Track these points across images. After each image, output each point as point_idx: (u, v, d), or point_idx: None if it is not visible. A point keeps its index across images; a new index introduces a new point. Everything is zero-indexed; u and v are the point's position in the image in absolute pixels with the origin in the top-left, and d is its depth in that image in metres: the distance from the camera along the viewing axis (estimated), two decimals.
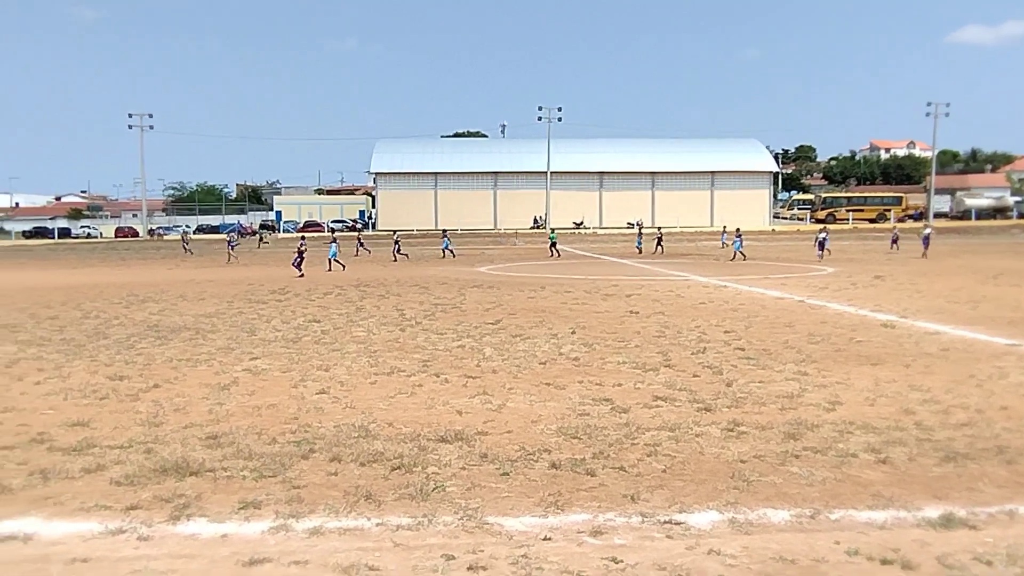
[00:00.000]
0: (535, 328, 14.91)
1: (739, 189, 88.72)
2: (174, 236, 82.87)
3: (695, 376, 10.43)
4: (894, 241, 40.31)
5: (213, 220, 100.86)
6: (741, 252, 36.25)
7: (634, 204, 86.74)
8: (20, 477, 6.57)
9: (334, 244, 34.26)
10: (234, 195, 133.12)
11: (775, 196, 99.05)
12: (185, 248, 50.26)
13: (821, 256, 35.23)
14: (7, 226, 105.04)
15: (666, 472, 6.59)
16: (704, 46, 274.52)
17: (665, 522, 5.52)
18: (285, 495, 6.05)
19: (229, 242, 42.35)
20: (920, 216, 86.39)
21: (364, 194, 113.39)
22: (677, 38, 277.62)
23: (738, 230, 38.42)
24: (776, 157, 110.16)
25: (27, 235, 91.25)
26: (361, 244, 44.71)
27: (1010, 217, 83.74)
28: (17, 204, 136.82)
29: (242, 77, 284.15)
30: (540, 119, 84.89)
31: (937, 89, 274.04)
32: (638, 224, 60.78)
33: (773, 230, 76.81)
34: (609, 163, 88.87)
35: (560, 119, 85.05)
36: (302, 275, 28.45)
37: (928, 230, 38.09)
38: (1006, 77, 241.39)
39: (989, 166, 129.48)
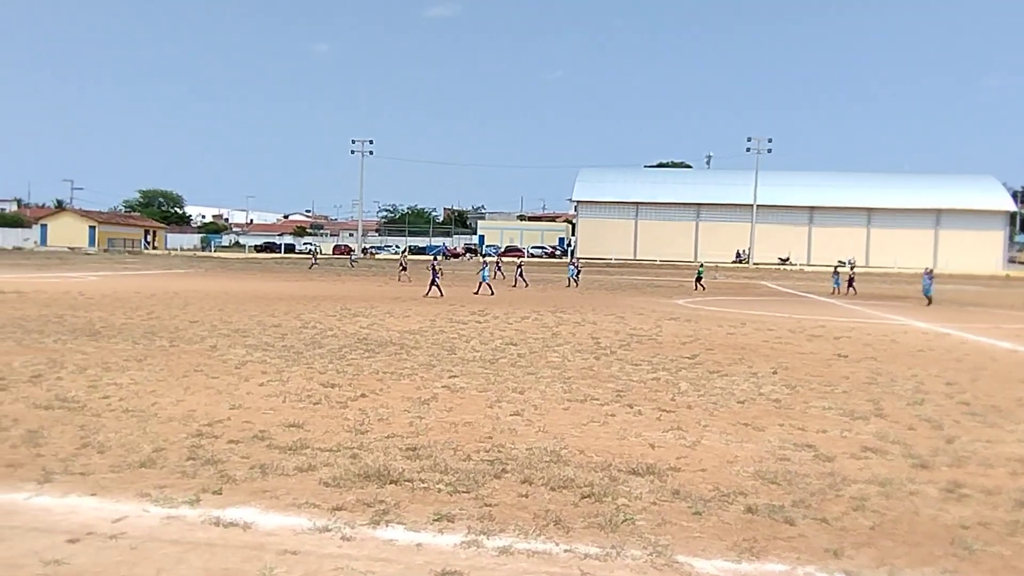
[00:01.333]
0: (734, 365, 14.42)
1: (968, 229, 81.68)
2: (387, 256, 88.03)
3: (910, 429, 9.65)
4: None
5: (421, 242, 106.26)
6: (928, 296, 33.19)
7: (846, 241, 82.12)
8: (243, 469, 7.17)
9: (485, 268, 35.21)
10: (441, 218, 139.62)
11: (1011, 238, 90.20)
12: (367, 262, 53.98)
13: None
14: (243, 240, 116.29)
15: (874, 530, 6.12)
16: (935, 74, 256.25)
17: None
18: (477, 511, 6.19)
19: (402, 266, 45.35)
20: None
21: (565, 221, 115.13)
22: (902, 65, 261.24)
23: (929, 270, 35.30)
24: (1014, 195, 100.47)
25: (258, 249, 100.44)
26: (521, 274, 41.46)
27: None
28: (252, 220, 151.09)
29: (455, 106, 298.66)
30: (748, 150, 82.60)
31: None
32: (850, 263, 57.46)
33: (1008, 275, 69.96)
34: (820, 197, 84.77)
35: (770, 150, 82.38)
36: (427, 294, 30.19)
37: None
38: None
39: None
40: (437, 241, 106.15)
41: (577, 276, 42.38)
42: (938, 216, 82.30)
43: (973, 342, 19.64)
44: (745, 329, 21.08)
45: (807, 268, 74.48)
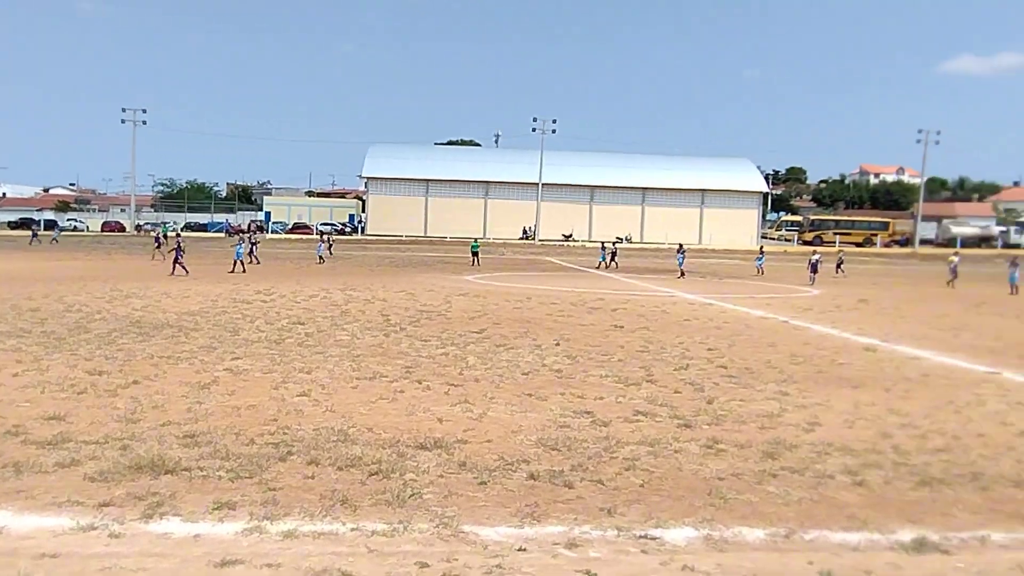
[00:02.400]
0: (519, 339, 14.92)
1: (728, 208, 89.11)
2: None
3: (676, 392, 10.46)
4: (838, 265, 39.34)
5: (202, 218, 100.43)
6: (682, 268, 36.57)
7: (624, 218, 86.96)
8: None
9: (241, 244, 33.88)
10: (224, 194, 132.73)
11: (764, 216, 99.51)
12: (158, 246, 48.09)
13: (814, 279, 35.00)
14: None
15: (644, 487, 6.60)
16: (705, 64, 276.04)
17: (641, 537, 5.52)
18: (260, 497, 6.02)
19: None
20: (906, 242, 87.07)
21: (355, 198, 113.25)
22: (677, 55, 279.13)
23: (681, 246, 39.12)
24: (767, 178, 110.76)
25: (12, 225, 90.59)
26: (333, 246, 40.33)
27: (995, 247, 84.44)
28: (4, 194, 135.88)
29: (237, 75, 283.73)
30: (534, 130, 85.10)
31: (928, 117, 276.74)
32: (626, 239, 61.00)
33: (761, 249, 77.19)
34: (600, 177, 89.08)
35: (554, 131, 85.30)
36: (172, 273, 28.69)
37: (816, 256, 37.25)
38: (997, 108, 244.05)
39: (976, 195, 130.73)
40: (220, 217, 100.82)
41: None
42: (703, 195, 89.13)
43: (732, 311, 21.55)
44: (531, 303, 21.84)
45: (589, 244, 78.24)
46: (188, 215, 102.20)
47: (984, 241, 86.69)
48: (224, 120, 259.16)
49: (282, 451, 7.20)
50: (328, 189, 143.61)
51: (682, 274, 36.04)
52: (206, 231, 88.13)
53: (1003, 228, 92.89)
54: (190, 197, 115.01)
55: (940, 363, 13.58)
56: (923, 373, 12.50)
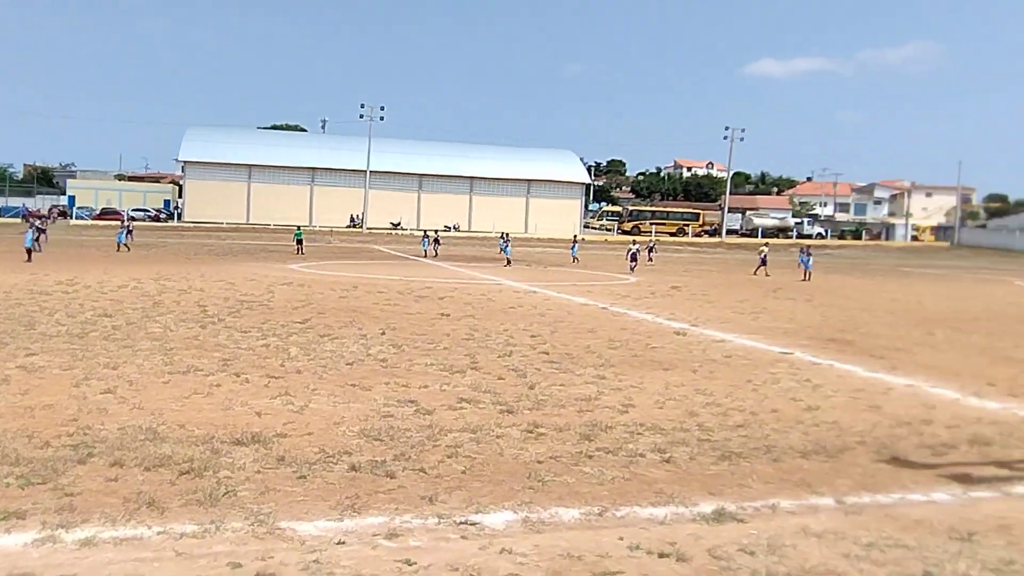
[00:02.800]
0: (344, 328, 14.68)
1: (553, 198, 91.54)
2: None
3: (500, 379, 10.66)
4: (649, 250, 41.68)
5: None
6: (508, 257, 37.83)
7: (453, 208, 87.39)
8: None
9: (31, 231, 30.79)
10: (21, 176, 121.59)
11: (587, 207, 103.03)
12: None
13: (633, 267, 36.57)
14: None
15: (465, 473, 6.69)
16: (530, 58, 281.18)
17: (461, 523, 5.59)
18: (55, 503, 5.59)
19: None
20: (715, 232, 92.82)
21: (171, 183, 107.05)
22: (504, 48, 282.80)
23: (505, 234, 40.69)
24: (589, 169, 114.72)
25: None
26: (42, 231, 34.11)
27: (790, 236, 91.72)
28: None
29: (36, 47, 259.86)
30: (362, 116, 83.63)
31: (734, 115, 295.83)
32: (454, 227, 61.26)
33: (583, 239, 79.94)
34: (429, 166, 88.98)
35: (382, 118, 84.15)
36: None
37: (635, 246, 40.01)
38: (794, 108, 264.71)
39: (776, 189, 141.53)
40: (15, 202, 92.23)
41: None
42: (528, 185, 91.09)
43: (555, 299, 22.19)
44: (357, 292, 21.53)
45: (417, 232, 78.06)
46: None
47: (781, 231, 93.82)
48: (20, 95, 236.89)
49: (82, 453, 6.71)
50: (141, 173, 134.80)
51: (508, 262, 36.76)
52: (1, 216, 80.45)
53: (798, 220, 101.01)
54: None
55: (741, 345, 14.61)
56: (726, 354, 13.41)
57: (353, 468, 6.66)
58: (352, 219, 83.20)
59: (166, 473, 6.34)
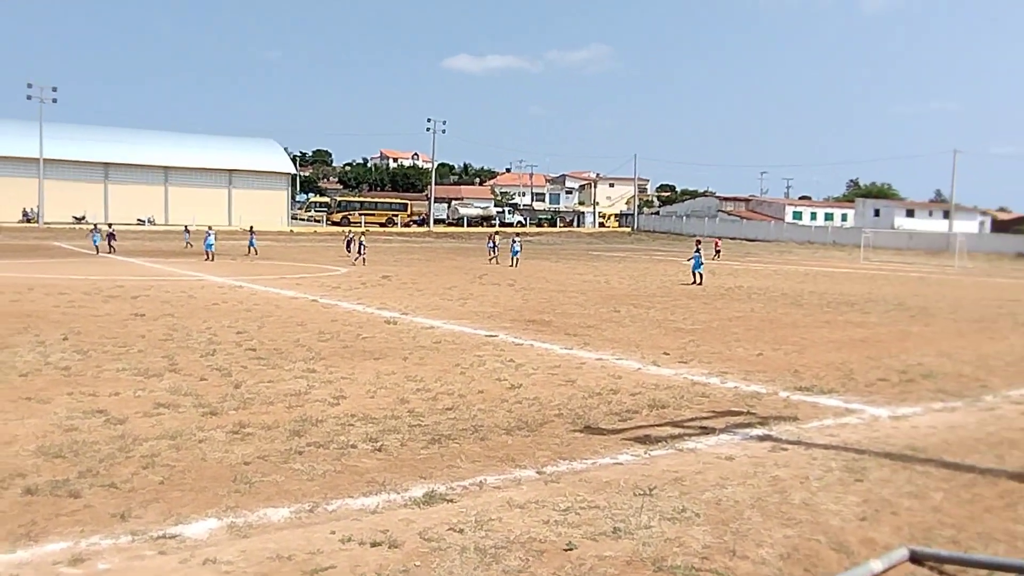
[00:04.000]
0: (17, 336, 13.02)
1: (258, 189, 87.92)
2: None
3: (203, 380, 10.07)
4: (359, 247, 40.35)
5: None
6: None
7: (147, 199, 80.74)
8: None
9: None
10: None
11: (293, 198, 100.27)
12: None
13: (359, 259, 35.98)
14: None
15: (163, 484, 6.25)
16: (222, 43, 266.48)
17: (158, 538, 5.22)
18: None
19: None
20: (423, 222, 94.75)
21: None
22: (195, 32, 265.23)
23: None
24: (294, 160, 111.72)
25: None
26: None
27: (494, 225, 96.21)
28: None
29: None
30: (30, 98, 74.26)
31: (436, 108, 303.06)
32: (149, 220, 56.72)
33: (292, 231, 77.72)
34: (116, 153, 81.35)
35: (55, 100, 75.34)
36: None
37: (351, 234, 40.94)
38: (490, 103, 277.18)
39: (478, 179, 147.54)
40: None
41: None
42: (231, 176, 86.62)
43: (262, 292, 21.38)
44: (33, 295, 19.19)
45: (103, 226, 71.23)
46: None
47: (485, 220, 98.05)
48: None
49: None
50: None
51: (210, 257, 34.77)
52: None
53: (500, 209, 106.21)
54: None
55: (450, 330, 15.08)
56: (436, 340, 13.77)
57: (29, 491, 5.94)
58: (25, 213, 74.01)
59: None
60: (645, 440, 7.88)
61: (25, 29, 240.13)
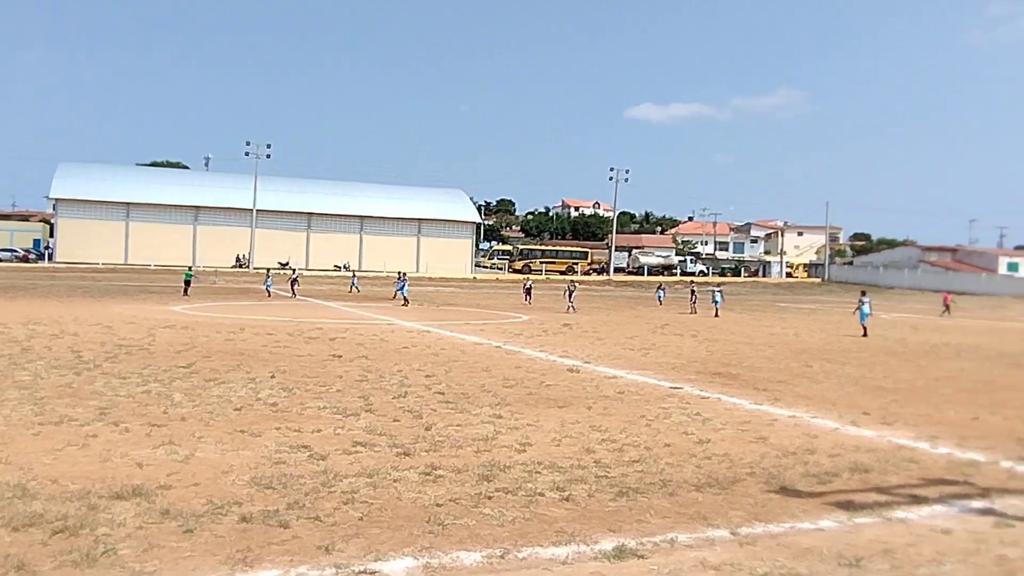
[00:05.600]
0: (231, 372, 14.16)
1: (444, 237, 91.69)
2: None
3: (395, 420, 10.48)
4: (568, 295, 40.46)
5: None
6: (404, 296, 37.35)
7: (343, 246, 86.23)
8: None
9: None
10: None
11: (477, 245, 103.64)
12: None
13: (528, 302, 37.82)
14: None
15: (363, 520, 6.51)
16: (420, 97, 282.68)
17: (359, 572, 5.42)
18: None
19: None
20: (602, 270, 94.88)
21: (42, 221, 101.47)
22: (393, 89, 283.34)
23: (401, 274, 40.93)
24: (479, 208, 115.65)
25: None
26: None
27: (675, 274, 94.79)
28: None
29: None
30: (247, 154, 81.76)
31: (618, 157, 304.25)
32: (345, 267, 60.33)
33: (475, 278, 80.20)
34: (317, 204, 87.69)
35: (269, 156, 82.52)
36: None
37: (529, 282, 42.34)
38: (673, 151, 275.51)
39: (659, 228, 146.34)
40: None
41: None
42: (419, 224, 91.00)
43: (448, 338, 22.10)
44: (244, 335, 20.85)
45: (306, 272, 76.58)
46: None
47: (666, 269, 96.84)
48: None
49: None
50: (8, 211, 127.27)
51: (405, 302, 36.39)
52: None
53: (681, 258, 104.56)
54: None
55: (633, 380, 14.90)
56: (619, 390, 13.64)
57: (244, 519, 6.37)
58: (238, 259, 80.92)
59: (37, 533, 5.90)
60: (848, 506, 7.37)
61: (245, 89, 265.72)
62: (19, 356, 15.31)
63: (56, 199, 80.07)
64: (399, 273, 40.69)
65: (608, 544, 6.09)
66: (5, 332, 19.46)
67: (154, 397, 11.56)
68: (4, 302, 30.33)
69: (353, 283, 48.40)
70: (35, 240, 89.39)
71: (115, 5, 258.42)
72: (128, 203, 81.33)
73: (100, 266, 70.18)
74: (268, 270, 47.49)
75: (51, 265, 71.72)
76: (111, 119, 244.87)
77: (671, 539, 6.30)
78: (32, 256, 79.68)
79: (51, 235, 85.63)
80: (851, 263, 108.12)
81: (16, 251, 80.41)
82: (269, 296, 39.65)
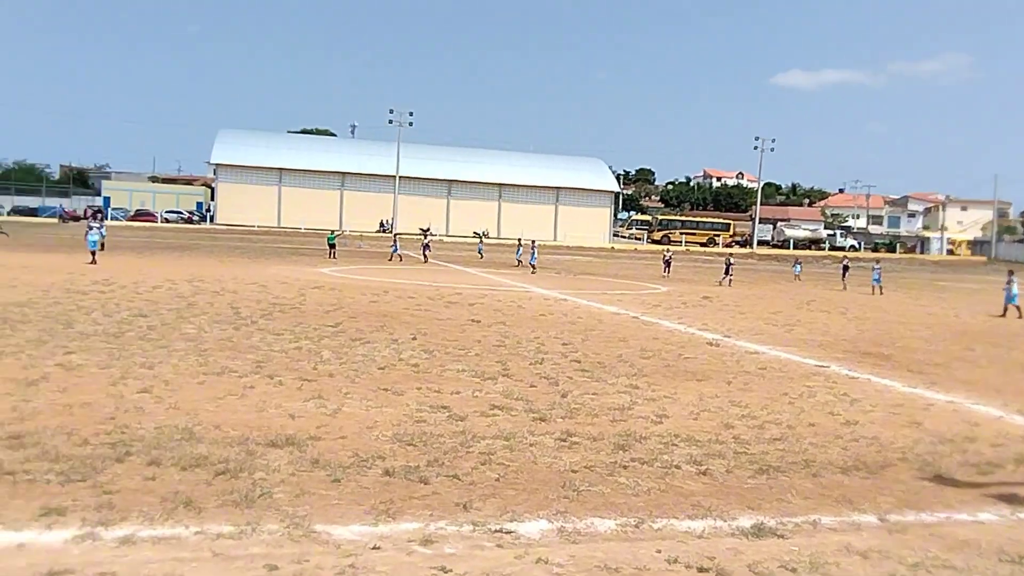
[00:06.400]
0: (375, 332, 14.70)
1: (582, 206, 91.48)
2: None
3: (532, 386, 10.59)
4: (726, 268, 39.53)
5: (32, 202, 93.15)
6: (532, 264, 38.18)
7: (481, 214, 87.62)
8: None
9: (90, 231, 29.32)
10: (57, 176, 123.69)
11: (616, 215, 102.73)
12: None
13: (667, 274, 37.33)
14: None
15: (499, 481, 6.63)
16: (558, 64, 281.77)
17: (496, 531, 5.54)
18: (94, 501, 5.62)
19: None
20: (745, 243, 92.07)
21: (203, 185, 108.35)
22: (532, 54, 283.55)
23: (530, 241, 41.09)
24: (618, 178, 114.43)
25: None
26: None
27: (823, 248, 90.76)
28: None
29: (73, 50, 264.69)
30: (391, 122, 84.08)
31: (764, 125, 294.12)
32: (483, 233, 61.37)
33: (612, 248, 79.66)
34: (458, 172, 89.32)
35: (411, 123, 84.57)
36: None
37: (669, 253, 41.00)
38: (823, 119, 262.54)
39: (807, 200, 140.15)
40: (52, 202, 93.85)
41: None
42: (557, 193, 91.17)
43: (585, 307, 22.09)
44: (387, 297, 21.58)
45: (446, 238, 78.30)
46: (16, 198, 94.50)
47: (813, 243, 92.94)
48: (58, 96, 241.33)
49: (119, 451, 6.75)
50: (174, 175, 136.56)
51: (533, 269, 36.84)
52: (36, 216, 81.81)
53: (830, 232, 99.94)
54: (18, 179, 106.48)
55: (775, 357, 14.43)
56: (760, 366, 13.24)
57: (387, 473, 6.63)
58: (381, 224, 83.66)
59: (202, 473, 6.35)
60: (1012, 499, 6.88)
61: (389, 58, 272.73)
62: (185, 311, 16.46)
63: (216, 164, 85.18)
64: (518, 240, 41.48)
65: (746, 521, 5.96)
66: (173, 288, 20.95)
67: (305, 353, 12.17)
68: (171, 261, 32.66)
69: (480, 249, 49.80)
70: (198, 203, 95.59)
71: None
72: (281, 168, 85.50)
73: (255, 228, 74.22)
74: (395, 235, 49.21)
75: (211, 226, 76.46)
76: (266, 89, 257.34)
77: (813, 521, 6.09)
78: (195, 218, 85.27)
79: (212, 198, 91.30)
80: (1022, 240, 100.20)
81: (182, 213, 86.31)
82: (401, 260, 40.70)
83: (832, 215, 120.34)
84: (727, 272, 35.64)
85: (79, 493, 5.77)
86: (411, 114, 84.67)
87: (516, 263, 41.24)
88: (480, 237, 67.79)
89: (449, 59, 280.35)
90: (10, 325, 13.35)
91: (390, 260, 40.31)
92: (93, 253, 28.79)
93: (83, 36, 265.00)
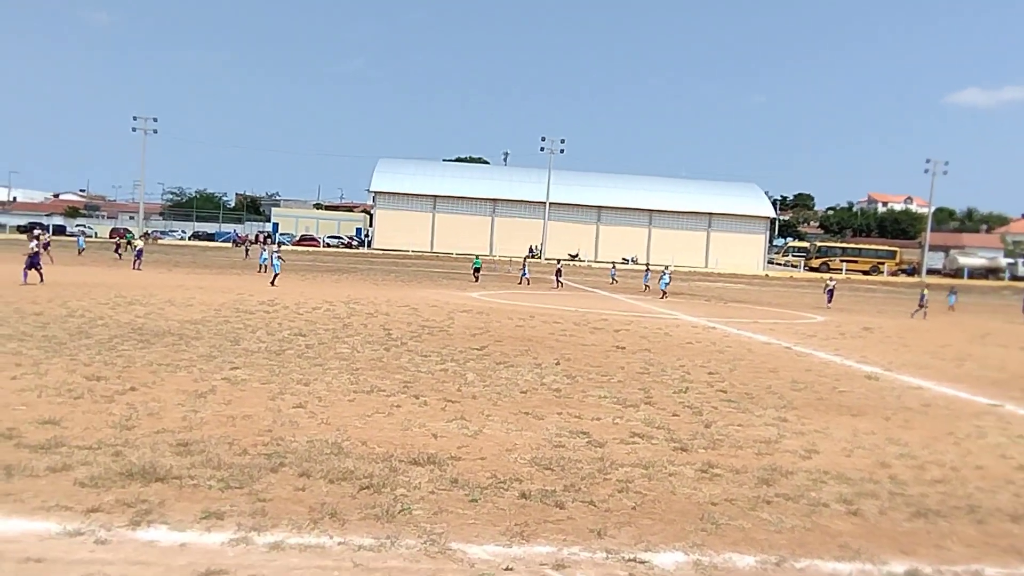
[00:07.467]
0: (520, 357, 14.88)
1: (735, 232, 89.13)
2: (170, 240, 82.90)
3: (674, 415, 10.40)
4: (921, 299, 34.57)
5: (210, 228, 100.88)
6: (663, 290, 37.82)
7: (630, 240, 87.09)
8: None
9: (264, 251, 31.72)
10: (232, 204, 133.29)
11: (771, 241, 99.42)
12: (120, 253, 48.13)
13: (830, 305, 35.69)
14: (2, 219, 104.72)
15: (636, 509, 6.55)
16: (711, 89, 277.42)
17: (629, 560, 5.47)
18: (249, 507, 5.99)
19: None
20: (913, 271, 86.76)
21: (363, 212, 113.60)
22: (684, 80, 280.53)
23: (666, 267, 41.25)
24: (774, 203, 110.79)
25: (21, 229, 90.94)
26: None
27: (1002, 278, 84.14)
28: (15, 199, 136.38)
29: (249, 89, 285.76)
30: (542, 150, 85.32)
31: (936, 147, 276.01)
32: (632, 260, 60.92)
33: (767, 275, 77.08)
34: (607, 198, 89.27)
35: (562, 151, 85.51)
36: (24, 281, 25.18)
37: (832, 282, 38.59)
38: (1004, 140, 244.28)
39: (984, 226, 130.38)
40: (228, 227, 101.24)
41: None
42: (710, 219, 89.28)
43: (735, 335, 21.47)
44: (533, 322, 21.80)
45: (595, 264, 78.28)
46: (197, 224, 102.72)
47: (991, 272, 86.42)
48: (235, 132, 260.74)
49: (274, 462, 7.16)
50: (336, 202, 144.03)
51: (664, 295, 36.40)
52: (213, 240, 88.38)
53: (1011, 260, 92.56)
54: (199, 206, 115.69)
55: (941, 393, 13.49)
56: (924, 403, 12.42)
57: (523, 495, 6.68)
58: (531, 250, 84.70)
59: (348, 487, 6.63)
60: None
61: (542, 86, 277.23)
62: (341, 331, 17.27)
63: (375, 192, 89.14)
64: (646, 265, 41.52)
65: (899, 567, 5.60)
66: (331, 310, 22.04)
67: (450, 375, 12.48)
68: (331, 283, 34.37)
69: (612, 275, 49.90)
70: (357, 228, 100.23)
71: (426, 24, 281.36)
72: (435, 196, 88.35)
73: (409, 253, 76.94)
74: (524, 259, 50.41)
75: (369, 251, 79.89)
76: (424, 120, 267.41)
77: (975, 571, 5.64)
78: (354, 243, 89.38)
79: (370, 224, 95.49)
80: None
81: (342, 238, 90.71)
82: (528, 284, 41.26)
83: (1014, 242, 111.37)
84: (921, 304, 33.50)
85: (236, 499, 6.16)
86: (563, 141, 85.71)
87: (644, 287, 41.52)
88: (630, 262, 67.32)
89: (601, 86, 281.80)
90: (185, 341, 14.46)
91: (519, 284, 40.96)
92: (263, 266, 31.10)
93: (256, 76, 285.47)
